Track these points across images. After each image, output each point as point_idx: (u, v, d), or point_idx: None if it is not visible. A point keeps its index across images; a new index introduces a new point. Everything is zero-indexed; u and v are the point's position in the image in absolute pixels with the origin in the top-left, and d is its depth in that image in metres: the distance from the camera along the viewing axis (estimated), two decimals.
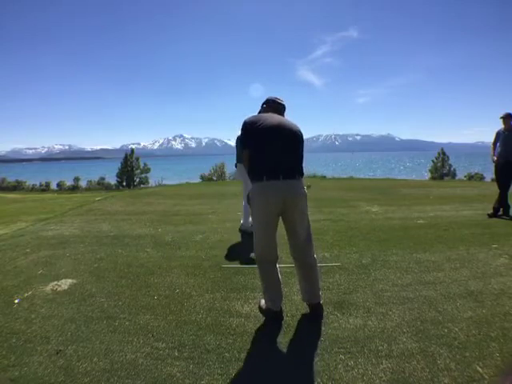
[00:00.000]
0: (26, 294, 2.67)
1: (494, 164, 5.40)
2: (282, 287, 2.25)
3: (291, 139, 2.15)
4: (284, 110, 2.42)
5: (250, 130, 2.15)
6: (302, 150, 2.24)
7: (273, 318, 2.21)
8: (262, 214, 2.11)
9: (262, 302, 2.32)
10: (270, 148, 2.09)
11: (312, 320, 2.23)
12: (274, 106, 2.37)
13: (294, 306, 2.41)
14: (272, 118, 2.20)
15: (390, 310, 2.33)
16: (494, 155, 5.38)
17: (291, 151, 2.14)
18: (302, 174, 2.18)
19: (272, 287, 2.20)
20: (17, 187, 21.44)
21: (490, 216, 5.26)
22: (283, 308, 2.33)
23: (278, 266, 2.26)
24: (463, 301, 2.44)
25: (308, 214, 2.23)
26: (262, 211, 2.10)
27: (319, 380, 1.68)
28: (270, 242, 2.16)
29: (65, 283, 2.88)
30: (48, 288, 2.79)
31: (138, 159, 21.27)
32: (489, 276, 2.89)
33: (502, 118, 5.23)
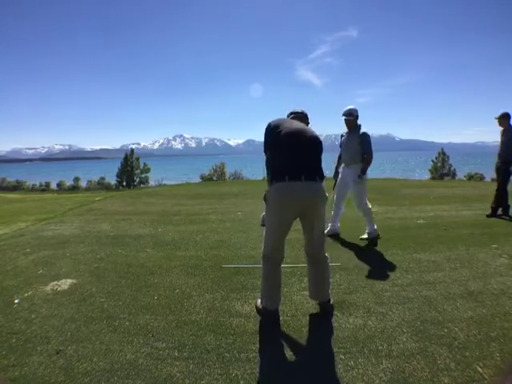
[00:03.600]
0: (26, 294, 2.67)
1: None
2: (281, 288, 2.26)
3: (311, 143, 2.23)
4: (306, 118, 2.54)
5: (273, 131, 2.23)
6: (321, 155, 2.32)
7: (269, 317, 2.22)
8: (280, 214, 2.13)
9: (259, 301, 2.33)
10: (292, 150, 2.15)
11: (321, 318, 2.24)
12: (298, 115, 2.51)
13: (293, 306, 2.41)
14: (293, 123, 2.31)
15: (389, 310, 2.33)
16: None
17: (311, 154, 2.21)
18: (322, 177, 2.24)
19: (272, 287, 2.21)
20: (17, 187, 21.47)
21: (488, 216, 5.24)
22: (282, 308, 2.33)
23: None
24: (463, 301, 2.44)
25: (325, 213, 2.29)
26: (280, 211, 2.12)
27: (319, 380, 1.68)
28: (281, 241, 2.20)
29: (65, 283, 2.88)
30: (48, 288, 2.79)
31: (137, 159, 21.30)
32: (489, 276, 2.89)
33: (496, 118, 5.13)
